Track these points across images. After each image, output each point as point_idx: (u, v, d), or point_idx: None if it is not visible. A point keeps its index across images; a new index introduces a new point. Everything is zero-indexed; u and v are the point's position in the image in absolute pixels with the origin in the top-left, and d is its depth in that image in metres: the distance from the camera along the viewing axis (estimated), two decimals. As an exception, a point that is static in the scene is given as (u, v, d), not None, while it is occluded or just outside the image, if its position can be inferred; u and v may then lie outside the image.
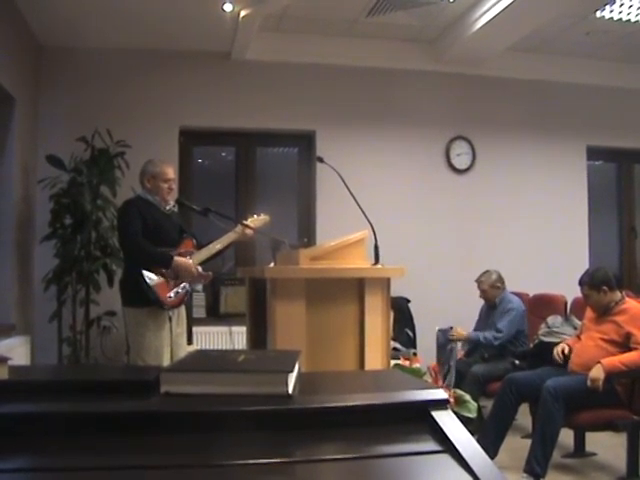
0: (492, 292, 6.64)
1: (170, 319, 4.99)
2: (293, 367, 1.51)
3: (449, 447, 1.36)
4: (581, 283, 5.37)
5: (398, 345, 6.30)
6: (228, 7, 6.44)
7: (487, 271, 6.72)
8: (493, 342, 6.34)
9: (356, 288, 3.78)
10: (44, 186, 6.55)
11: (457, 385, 6.01)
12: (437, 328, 6.63)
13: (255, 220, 5.25)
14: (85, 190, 6.50)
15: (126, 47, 7.34)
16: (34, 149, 7.01)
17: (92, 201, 6.53)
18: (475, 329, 6.75)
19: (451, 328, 6.52)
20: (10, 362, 1.59)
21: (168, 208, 5.19)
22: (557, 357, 5.28)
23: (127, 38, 7.17)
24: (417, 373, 4.79)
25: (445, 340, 6.47)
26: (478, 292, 6.74)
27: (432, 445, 1.38)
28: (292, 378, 1.47)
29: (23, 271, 6.70)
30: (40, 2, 6.33)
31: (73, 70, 7.32)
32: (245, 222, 5.19)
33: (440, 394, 1.52)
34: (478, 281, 6.72)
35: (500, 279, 6.67)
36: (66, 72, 7.32)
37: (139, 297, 4.81)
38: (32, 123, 7.04)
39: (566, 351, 5.27)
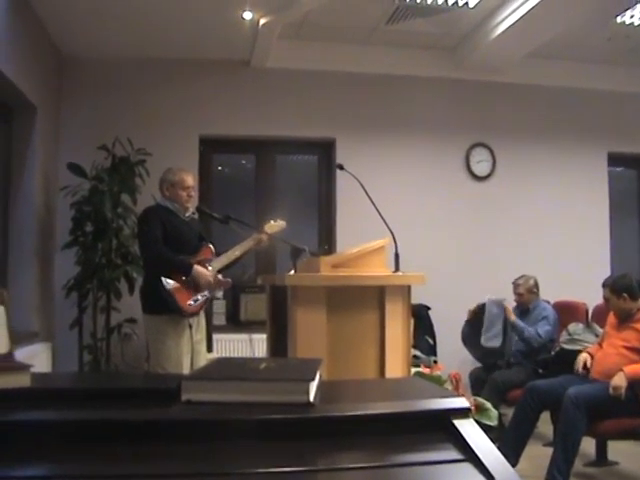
0: (528, 297, 6.61)
1: (190, 326, 4.99)
2: (314, 375, 1.51)
3: (471, 456, 1.36)
4: (604, 285, 5.38)
5: (418, 353, 6.28)
6: (248, 15, 6.48)
7: (524, 275, 6.68)
8: (532, 342, 6.26)
9: (377, 296, 3.78)
10: (65, 194, 6.59)
11: (476, 393, 6.00)
12: (487, 297, 6.62)
13: (272, 226, 5.27)
14: (106, 198, 6.52)
15: (146, 56, 7.39)
16: (56, 157, 7.06)
17: (113, 209, 6.56)
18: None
19: (503, 300, 6.54)
20: (32, 369, 1.60)
21: (188, 215, 5.21)
22: (579, 369, 5.25)
23: (147, 47, 7.22)
24: (438, 381, 4.79)
25: (500, 311, 6.48)
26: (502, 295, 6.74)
27: (454, 454, 1.38)
28: (313, 387, 1.47)
29: (44, 278, 6.74)
30: (61, 13, 6.39)
31: (94, 79, 7.37)
32: (263, 229, 5.21)
33: (462, 402, 1.51)
34: (515, 284, 6.67)
35: (536, 285, 6.64)
36: (87, 81, 7.38)
37: (159, 305, 4.82)
38: (54, 132, 7.09)
39: (588, 363, 5.23)
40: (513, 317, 6.41)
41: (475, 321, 6.67)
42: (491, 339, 6.51)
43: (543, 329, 6.30)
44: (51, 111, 6.96)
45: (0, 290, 5.22)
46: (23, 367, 1.57)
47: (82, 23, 6.60)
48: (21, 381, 1.53)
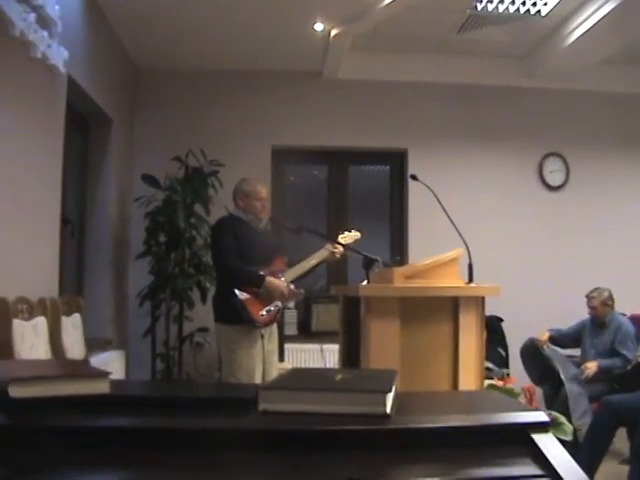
0: (602, 309, 6.44)
1: (262, 336, 4.99)
2: (391, 387, 1.50)
3: (550, 472, 1.33)
4: None
5: (491, 365, 6.19)
6: (319, 27, 6.52)
7: (598, 288, 6.50)
8: (628, 367, 6.09)
9: (451, 307, 3.74)
10: (140, 204, 6.71)
11: (550, 407, 5.88)
12: (565, 380, 5.97)
13: (346, 237, 5.25)
14: (179, 208, 6.61)
15: (219, 68, 7.49)
16: (130, 168, 7.19)
17: (186, 219, 6.64)
18: (562, 343, 6.54)
19: (579, 367, 6.18)
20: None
21: (261, 226, 5.23)
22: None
23: (220, 59, 7.32)
24: (511, 393, 4.71)
25: (583, 386, 5.99)
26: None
27: (533, 469, 1.35)
28: (390, 398, 1.46)
29: (119, 287, 6.86)
30: (137, 27, 6.52)
31: (168, 91, 7.51)
32: (336, 239, 5.21)
33: (541, 417, 1.49)
34: (589, 297, 6.51)
35: (611, 297, 6.45)
36: (161, 93, 7.52)
37: (232, 314, 4.84)
38: (128, 143, 7.22)
39: (665, 375, 5.11)
40: (594, 367, 6.18)
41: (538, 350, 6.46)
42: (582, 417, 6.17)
43: (630, 351, 6.07)
44: (126, 123, 7.09)
45: (76, 298, 5.36)
46: (103, 374, 1.59)
47: (156, 36, 6.72)
48: (100, 388, 1.55)
